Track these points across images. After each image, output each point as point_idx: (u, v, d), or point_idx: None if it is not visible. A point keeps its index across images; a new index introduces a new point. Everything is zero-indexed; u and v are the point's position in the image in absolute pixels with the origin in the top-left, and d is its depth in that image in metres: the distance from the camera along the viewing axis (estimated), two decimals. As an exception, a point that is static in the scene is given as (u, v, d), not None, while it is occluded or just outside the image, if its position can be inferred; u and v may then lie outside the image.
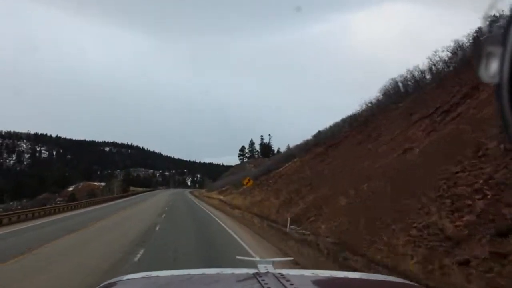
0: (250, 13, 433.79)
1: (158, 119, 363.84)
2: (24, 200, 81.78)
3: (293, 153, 36.49)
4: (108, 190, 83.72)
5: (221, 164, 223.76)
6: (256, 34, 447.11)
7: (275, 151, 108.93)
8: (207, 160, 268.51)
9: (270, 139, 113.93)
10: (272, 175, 34.21)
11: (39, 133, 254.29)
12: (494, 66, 0.67)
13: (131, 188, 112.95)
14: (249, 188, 33.42)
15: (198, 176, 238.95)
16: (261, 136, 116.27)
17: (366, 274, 2.53)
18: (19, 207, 70.70)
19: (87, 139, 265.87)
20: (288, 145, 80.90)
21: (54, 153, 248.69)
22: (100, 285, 1.75)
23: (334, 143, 25.43)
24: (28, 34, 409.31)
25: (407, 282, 2.09)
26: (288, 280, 1.52)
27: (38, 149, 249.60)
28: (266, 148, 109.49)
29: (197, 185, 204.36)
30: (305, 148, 33.80)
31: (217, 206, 34.54)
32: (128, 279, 1.86)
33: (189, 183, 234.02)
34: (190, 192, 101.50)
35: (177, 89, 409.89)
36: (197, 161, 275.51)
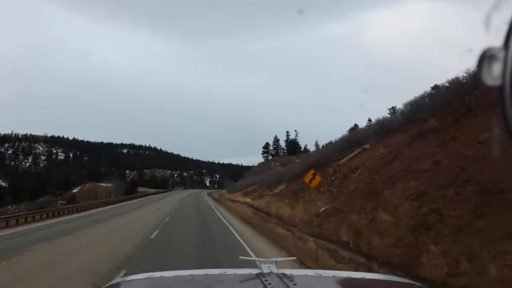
0: (276, 13, 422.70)
1: (176, 120, 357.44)
2: (23, 203, 73.65)
3: (356, 139, 25.29)
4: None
5: (240, 164, 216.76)
6: (267, 34, 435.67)
7: (302, 148, 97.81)
8: (226, 161, 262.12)
9: (296, 135, 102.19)
10: (331, 170, 23.10)
11: (56, 136, 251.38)
12: (496, 68, 0.68)
13: (140, 189, 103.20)
14: (302, 188, 22.35)
15: (217, 176, 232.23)
16: (287, 132, 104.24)
17: (369, 274, 2.29)
18: (16, 211, 63.29)
19: (105, 141, 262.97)
20: (316, 141, 69.58)
21: (71, 155, 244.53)
22: (104, 286, 1.71)
23: (469, 110, 14.10)
24: (44, 37, 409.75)
25: (410, 281, 2.04)
26: (291, 280, 1.50)
27: (54, 151, 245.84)
28: (292, 144, 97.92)
29: (216, 186, 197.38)
30: (381, 130, 22.62)
31: (254, 221, 21.39)
32: (132, 279, 1.84)
33: (207, 184, 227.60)
34: (208, 194, 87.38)
35: (195, 91, 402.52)
36: (216, 161, 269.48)
